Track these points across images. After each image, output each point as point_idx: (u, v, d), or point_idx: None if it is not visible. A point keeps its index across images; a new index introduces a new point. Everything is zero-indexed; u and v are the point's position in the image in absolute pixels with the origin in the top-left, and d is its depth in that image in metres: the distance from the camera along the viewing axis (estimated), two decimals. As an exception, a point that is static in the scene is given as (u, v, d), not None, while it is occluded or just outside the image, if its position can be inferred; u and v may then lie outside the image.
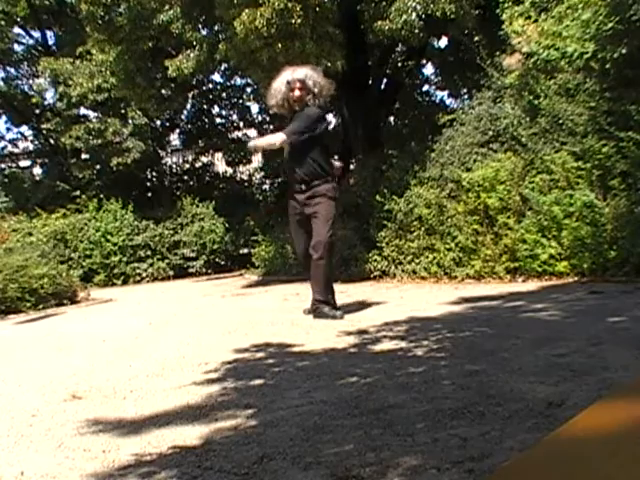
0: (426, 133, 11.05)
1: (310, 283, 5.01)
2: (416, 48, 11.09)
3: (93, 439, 2.27)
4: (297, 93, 4.74)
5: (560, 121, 6.61)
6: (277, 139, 4.86)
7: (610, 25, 5.70)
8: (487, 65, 7.59)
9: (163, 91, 11.31)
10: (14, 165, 17.27)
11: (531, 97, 6.93)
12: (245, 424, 2.29)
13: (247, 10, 7.17)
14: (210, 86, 15.28)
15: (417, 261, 7.49)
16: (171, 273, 12.81)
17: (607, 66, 5.98)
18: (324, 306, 4.85)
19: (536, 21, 6.93)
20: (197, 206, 13.28)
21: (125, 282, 12.43)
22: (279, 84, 4.84)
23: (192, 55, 9.48)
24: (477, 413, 2.16)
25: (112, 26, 9.56)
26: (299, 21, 7.17)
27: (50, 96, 15.03)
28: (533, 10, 7.10)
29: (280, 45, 7.29)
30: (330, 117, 14.60)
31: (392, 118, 15.17)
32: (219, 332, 4.59)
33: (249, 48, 7.50)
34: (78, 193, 13.36)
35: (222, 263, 13.37)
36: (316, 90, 4.77)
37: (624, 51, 5.73)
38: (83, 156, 14.69)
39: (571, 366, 2.68)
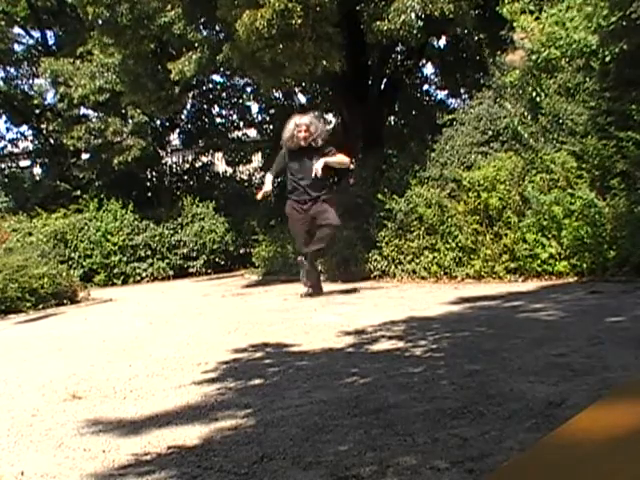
0: (426, 133, 11.06)
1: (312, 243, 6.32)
2: (415, 48, 11.07)
3: (93, 439, 2.27)
4: (302, 134, 6.25)
5: (560, 120, 6.61)
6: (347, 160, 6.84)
7: (611, 20, 5.68)
8: (490, 63, 7.59)
9: (168, 92, 11.30)
10: (14, 165, 17.25)
11: (532, 96, 6.93)
12: (245, 424, 2.29)
13: (248, 11, 7.16)
14: (210, 86, 15.28)
15: (417, 261, 7.48)
16: (171, 273, 12.80)
17: (607, 59, 5.96)
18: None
19: (537, 18, 6.93)
20: (197, 206, 13.26)
21: (125, 282, 12.42)
22: (291, 125, 6.33)
23: (194, 57, 9.47)
24: (477, 413, 2.16)
25: (117, 27, 9.54)
26: (299, 22, 7.16)
27: (50, 97, 15.05)
28: (533, 5, 7.09)
29: (281, 46, 7.28)
30: (330, 117, 14.64)
31: (392, 118, 15.16)
32: (219, 332, 4.59)
33: (251, 49, 7.49)
34: (78, 193, 13.35)
35: (222, 263, 13.36)
36: (317, 133, 6.32)
37: (625, 47, 5.71)
38: (83, 156, 14.70)
39: (571, 366, 2.67)
